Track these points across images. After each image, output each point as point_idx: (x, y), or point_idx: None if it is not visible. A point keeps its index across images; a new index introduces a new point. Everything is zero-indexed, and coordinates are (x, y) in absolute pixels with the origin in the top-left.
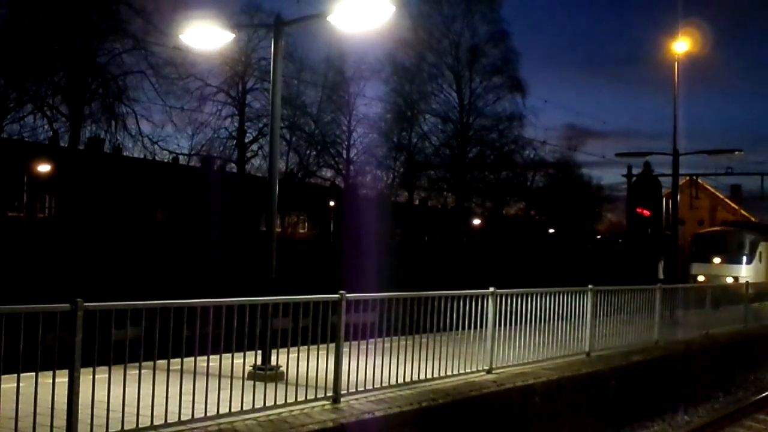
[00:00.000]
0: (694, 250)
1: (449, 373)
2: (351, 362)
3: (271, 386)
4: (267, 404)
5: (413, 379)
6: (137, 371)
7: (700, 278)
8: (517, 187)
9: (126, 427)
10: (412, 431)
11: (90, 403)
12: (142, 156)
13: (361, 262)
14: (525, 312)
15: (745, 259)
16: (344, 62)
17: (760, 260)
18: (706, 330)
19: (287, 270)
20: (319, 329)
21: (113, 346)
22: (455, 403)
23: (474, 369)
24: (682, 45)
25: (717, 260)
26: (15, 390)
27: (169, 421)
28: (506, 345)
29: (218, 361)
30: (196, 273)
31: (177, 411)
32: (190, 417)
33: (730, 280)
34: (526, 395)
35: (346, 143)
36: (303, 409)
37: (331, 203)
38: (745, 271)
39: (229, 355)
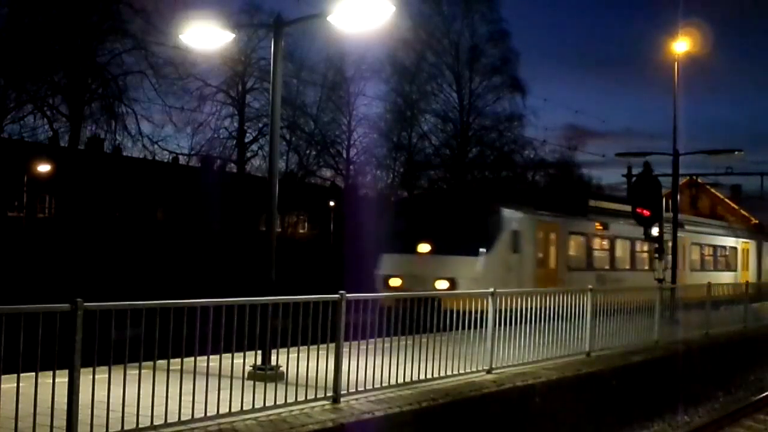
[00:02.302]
0: (391, 232)
1: (449, 373)
2: (351, 362)
3: (271, 386)
4: (267, 404)
5: (413, 379)
6: (137, 371)
7: (393, 282)
8: (518, 187)
9: (126, 427)
10: (412, 431)
11: (90, 403)
12: (142, 156)
13: (362, 262)
14: (525, 312)
15: (482, 246)
16: (344, 62)
17: (516, 248)
18: (706, 330)
19: (287, 270)
20: (319, 329)
21: (113, 346)
22: (455, 403)
23: (474, 369)
24: (682, 45)
25: (424, 248)
26: (15, 390)
27: (169, 421)
28: (506, 345)
29: (218, 361)
30: (196, 273)
31: (177, 411)
32: (190, 417)
33: (443, 285)
34: (526, 395)
35: (346, 143)
36: (303, 409)
37: (331, 203)
38: (481, 268)
39: (229, 355)
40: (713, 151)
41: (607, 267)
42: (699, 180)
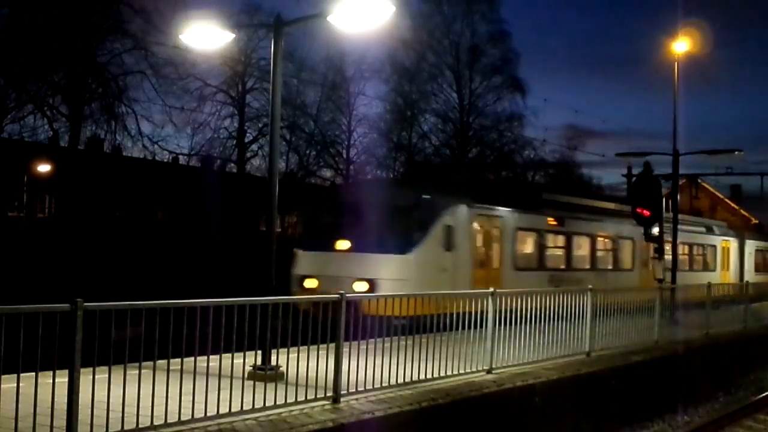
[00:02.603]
0: (309, 227)
1: (449, 373)
2: (351, 362)
3: (271, 386)
4: (267, 404)
5: (413, 379)
6: (137, 371)
7: (309, 283)
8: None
9: (126, 427)
10: (412, 431)
11: (90, 403)
12: (141, 156)
13: None
14: (525, 312)
15: (406, 243)
16: (344, 62)
17: (449, 246)
18: (706, 330)
19: (287, 269)
20: (319, 329)
21: (113, 346)
22: (455, 403)
23: (474, 369)
24: (682, 45)
25: (343, 245)
26: (15, 390)
27: (169, 421)
28: (506, 345)
29: (218, 361)
30: (196, 273)
31: (177, 411)
32: (190, 417)
33: (361, 287)
34: (526, 395)
35: (346, 143)
36: (303, 409)
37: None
38: (405, 268)
39: (229, 355)
40: (713, 151)
41: (563, 267)
42: (699, 180)
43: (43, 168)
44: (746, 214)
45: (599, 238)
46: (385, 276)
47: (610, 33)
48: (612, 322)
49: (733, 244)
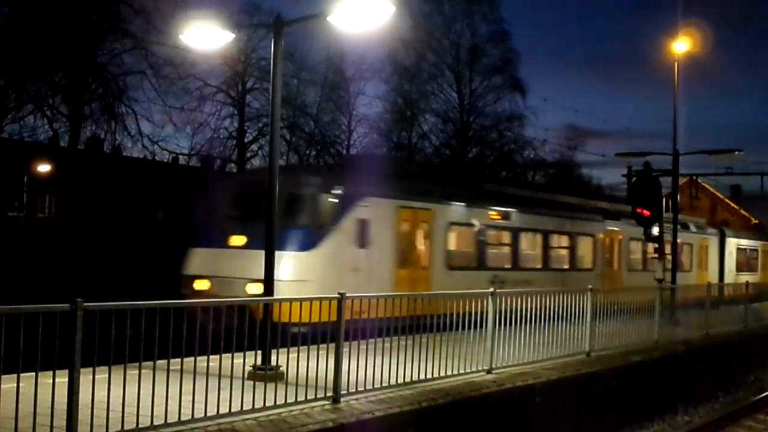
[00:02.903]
0: (202, 220)
1: (449, 373)
2: (351, 362)
3: (271, 386)
4: (267, 404)
5: (413, 379)
6: (137, 371)
7: (200, 285)
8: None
9: (126, 427)
10: (412, 431)
11: (90, 403)
12: (141, 156)
13: None
14: (525, 312)
15: (307, 238)
16: (344, 62)
17: (364, 242)
18: (706, 330)
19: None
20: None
21: (113, 346)
22: (455, 403)
23: (474, 369)
24: (682, 45)
25: (238, 241)
26: (15, 390)
27: (169, 421)
28: (506, 345)
29: (218, 361)
30: None
31: (177, 411)
32: (190, 417)
33: (255, 289)
34: (526, 395)
35: (346, 143)
36: (303, 409)
37: None
38: (307, 267)
39: (229, 355)
40: (713, 151)
41: (508, 266)
42: (699, 180)
43: (43, 168)
44: (746, 214)
45: (553, 235)
46: (282, 277)
47: (610, 33)
48: (612, 322)
49: (712, 242)
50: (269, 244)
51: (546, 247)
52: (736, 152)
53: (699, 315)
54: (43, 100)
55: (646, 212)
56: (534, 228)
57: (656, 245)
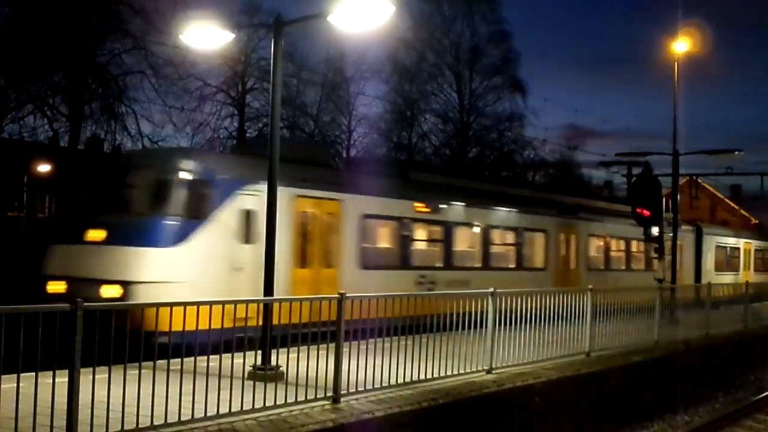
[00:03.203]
0: (61, 212)
1: (449, 373)
2: (351, 362)
3: (271, 386)
4: (267, 404)
5: (413, 379)
6: (137, 371)
7: (54, 286)
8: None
9: (126, 427)
10: (412, 431)
11: (90, 403)
12: None
13: None
14: (525, 312)
15: (172, 231)
16: (344, 62)
17: (250, 236)
18: (706, 330)
19: None
20: (319, 329)
21: (113, 346)
22: (455, 403)
23: (474, 369)
24: (682, 45)
25: (95, 235)
26: (15, 390)
27: (169, 421)
28: (506, 345)
29: (218, 361)
30: None
31: (177, 411)
32: (190, 417)
33: (111, 292)
34: (526, 395)
35: (346, 143)
36: (303, 409)
37: None
38: (174, 266)
39: (229, 355)
40: (713, 151)
41: (438, 265)
42: (699, 180)
43: (43, 168)
44: (746, 214)
45: (496, 230)
46: (142, 277)
47: (610, 33)
48: (612, 322)
49: (687, 239)
50: (270, 233)
51: (486, 243)
52: (736, 152)
53: (699, 315)
54: (43, 100)
55: (646, 212)
56: (472, 222)
57: (660, 245)
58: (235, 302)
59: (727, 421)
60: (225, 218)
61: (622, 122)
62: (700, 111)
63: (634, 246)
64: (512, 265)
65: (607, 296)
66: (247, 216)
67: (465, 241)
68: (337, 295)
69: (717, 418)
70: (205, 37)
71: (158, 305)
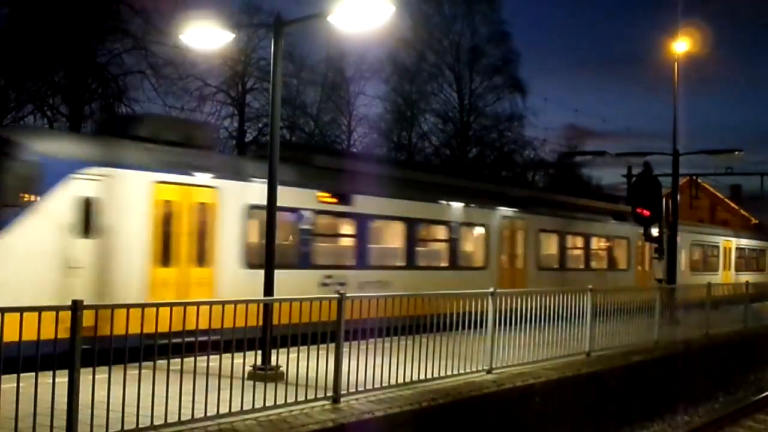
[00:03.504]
0: None
1: (449, 373)
2: (351, 362)
3: (271, 386)
4: (267, 404)
5: (413, 379)
6: (137, 371)
7: None
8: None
9: (126, 427)
10: (412, 431)
11: (90, 403)
12: None
13: None
14: (525, 312)
15: None
16: (344, 62)
17: (89, 229)
18: (706, 330)
19: None
20: (319, 329)
21: (113, 346)
22: (455, 403)
23: (474, 369)
24: (682, 45)
25: None
26: (15, 390)
27: (169, 421)
28: (506, 345)
29: (218, 361)
30: None
31: (177, 411)
32: (190, 417)
33: None
34: (526, 395)
35: (346, 143)
36: (303, 409)
37: None
38: None
39: (229, 355)
40: (713, 151)
41: (349, 264)
42: (699, 180)
43: None
44: (746, 214)
45: (422, 225)
46: None
47: (610, 33)
48: (612, 322)
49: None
50: (270, 234)
51: (412, 240)
52: (736, 152)
53: (699, 315)
54: (43, 100)
55: (646, 212)
56: (391, 216)
57: (656, 245)
58: (235, 302)
59: (727, 421)
60: (54, 206)
61: (622, 122)
62: (700, 111)
63: (595, 243)
64: (444, 264)
65: (607, 296)
66: (86, 204)
67: (384, 236)
68: (336, 296)
69: (717, 418)
70: (205, 37)
71: (158, 305)
